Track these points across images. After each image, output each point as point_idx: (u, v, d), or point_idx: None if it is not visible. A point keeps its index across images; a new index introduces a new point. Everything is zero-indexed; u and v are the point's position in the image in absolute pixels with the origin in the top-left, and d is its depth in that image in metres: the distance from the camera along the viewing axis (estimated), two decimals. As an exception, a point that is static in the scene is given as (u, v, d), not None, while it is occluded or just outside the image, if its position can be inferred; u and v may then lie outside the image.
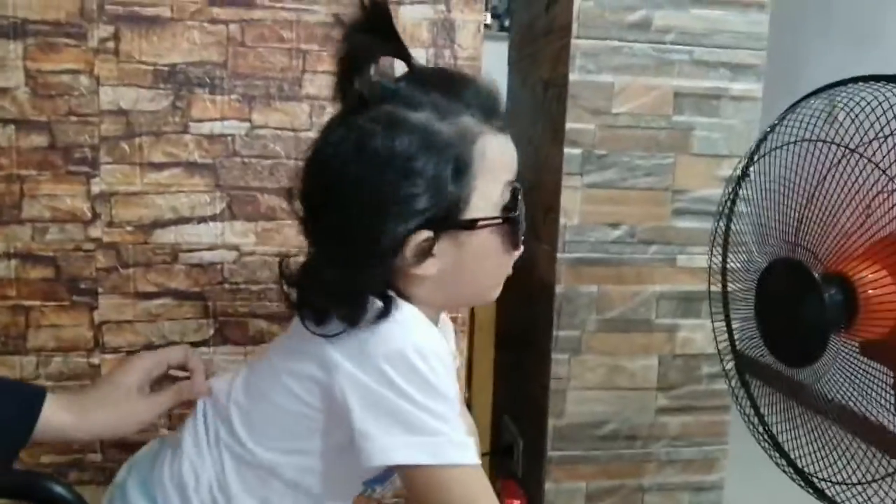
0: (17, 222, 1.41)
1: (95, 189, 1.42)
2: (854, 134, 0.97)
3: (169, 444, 1.01)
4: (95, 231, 1.43)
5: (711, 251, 1.27)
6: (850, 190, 0.98)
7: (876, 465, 1.00)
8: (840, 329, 0.99)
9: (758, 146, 1.14)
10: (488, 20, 3.61)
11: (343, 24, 0.88)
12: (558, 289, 1.56)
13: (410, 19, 1.43)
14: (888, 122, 0.92)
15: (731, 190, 1.21)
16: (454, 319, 1.51)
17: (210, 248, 1.47)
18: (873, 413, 1.00)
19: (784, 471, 1.14)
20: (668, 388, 1.64)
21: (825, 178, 1.00)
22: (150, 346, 1.47)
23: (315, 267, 0.88)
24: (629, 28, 1.51)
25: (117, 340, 1.47)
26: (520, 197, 0.89)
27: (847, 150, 0.97)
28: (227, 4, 1.42)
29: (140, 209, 1.44)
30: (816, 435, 1.11)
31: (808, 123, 1.04)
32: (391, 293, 0.87)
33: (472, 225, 0.86)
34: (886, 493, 0.98)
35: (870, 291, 0.97)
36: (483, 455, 1.98)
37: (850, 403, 1.03)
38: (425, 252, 0.86)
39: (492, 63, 1.80)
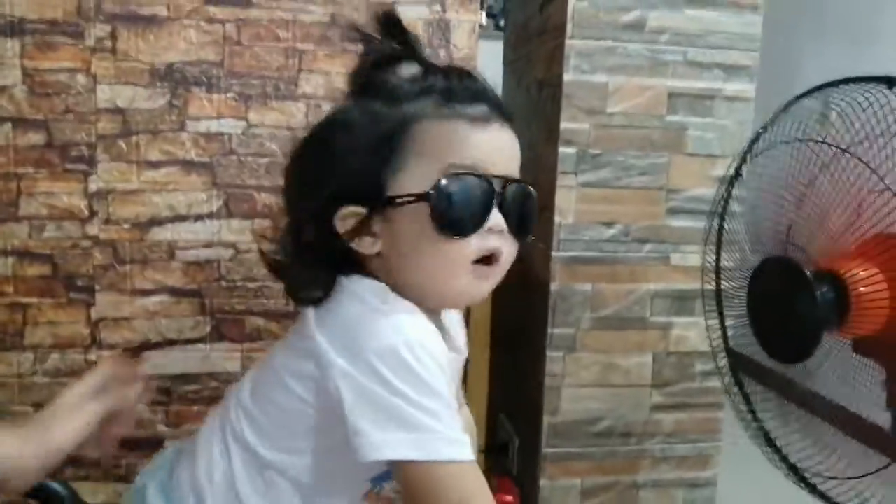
0: (15, 220, 1.42)
1: (92, 187, 1.43)
2: (846, 134, 0.98)
3: (186, 449, 1.02)
4: (92, 228, 1.44)
5: (705, 250, 1.28)
6: (841, 189, 0.99)
7: (867, 461, 1.01)
8: (832, 326, 1.00)
9: (751, 146, 1.15)
10: (483, 20, 3.61)
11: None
12: (553, 287, 1.57)
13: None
14: (879, 123, 0.93)
15: (724, 189, 1.22)
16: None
17: (207, 246, 1.48)
18: (864, 412, 1.01)
19: (776, 466, 1.15)
20: (663, 386, 1.65)
21: (817, 177, 1.01)
22: (147, 343, 1.49)
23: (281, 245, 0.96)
24: (623, 28, 1.52)
25: (114, 337, 1.48)
26: (470, 184, 0.87)
27: (839, 150, 0.98)
28: (224, 4, 1.43)
29: (137, 207, 1.45)
30: (809, 431, 1.12)
31: (801, 123, 1.05)
32: (371, 281, 0.90)
33: (390, 201, 0.88)
34: (878, 488, 0.99)
35: (861, 289, 0.98)
36: (478, 453, 1.99)
37: (843, 402, 1.04)
38: (359, 228, 0.89)
39: (487, 63, 1.81)
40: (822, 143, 1.00)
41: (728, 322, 1.26)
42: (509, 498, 1.62)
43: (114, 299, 1.47)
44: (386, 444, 0.82)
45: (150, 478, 1.02)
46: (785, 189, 1.07)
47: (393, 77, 0.92)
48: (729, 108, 1.56)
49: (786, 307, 1.04)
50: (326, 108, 1.31)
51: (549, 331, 1.58)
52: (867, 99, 0.96)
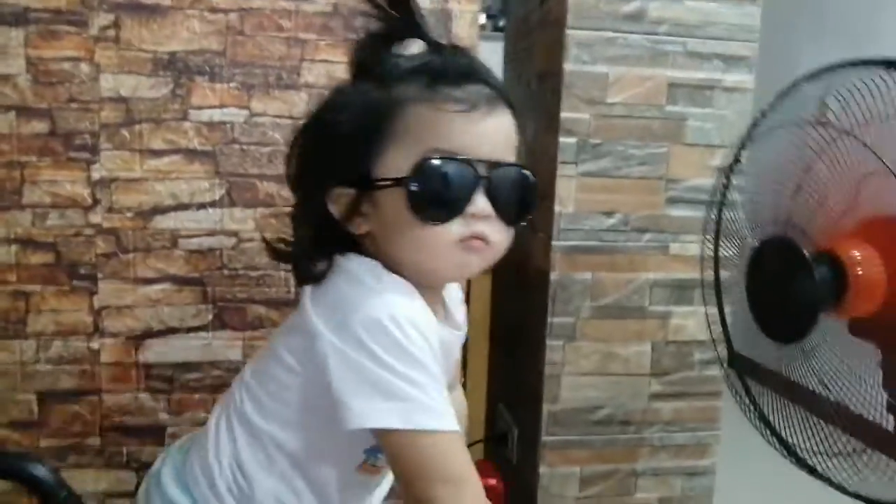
0: (18, 208, 1.42)
1: (95, 175, 1.44)
2: (846, 117, 0.98)
3: (199, 435, 1.04)
4: (95, 217, 1.45)
5: (704, 239, 1.29)
6: (841, 171, 0.99)
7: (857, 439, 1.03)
8: (829, 307, 1.01)
9: (750, 132, 1.15)
10: (483, 20, 3.62)
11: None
12: (553, 276, 1.58)
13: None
14: (877, 105, 0.94)
15: (723, 177, 1.23)
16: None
17: (209, 234, 1.48)
18: (860, 393, 1.02)
19: (769, 441, 1.16)
20: (662, 374, 1.65)
21: (817, 160, 1.02)
22: (149, 331, 1.49)
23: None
24: (623, 19, 1.53)
25: (117, 325, 1.48)
26: (448, 170, 0.87)
27: (839, 133, 0.99)
28: (226, -7, 1.44)
29: (140, 195, 1.46)
30: (804, 415, 1.13)
31: (800, 109, 1.06)
32: (365, 259, 0.92)
33: (372, 184, 0.89)
34: (864, 465, 1.00)
35: (859, 270, 0.98)
36: (478, 443, 2.00)
37: (840, 383, 1.05)
38: (351, 209, 0.91)
39: (487, 63, 1.81)
40: (822, 125, 1.01)
41: (727, 311, 1.27)
42: (493, 481, 1.63)
43: (116, 287, 1.48)
44: (369, 413, 0.84)
45: (165, 464, 1.04)
46: (784, 172, 1.08)
47: (389, 56, 0.93)
48: (728, 98, 1.57)
49: (784, 287, 1.05)
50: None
51: (549, 319, 1.59)
52: (866, 82, 0.97)
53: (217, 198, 1.48)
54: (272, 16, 1.45)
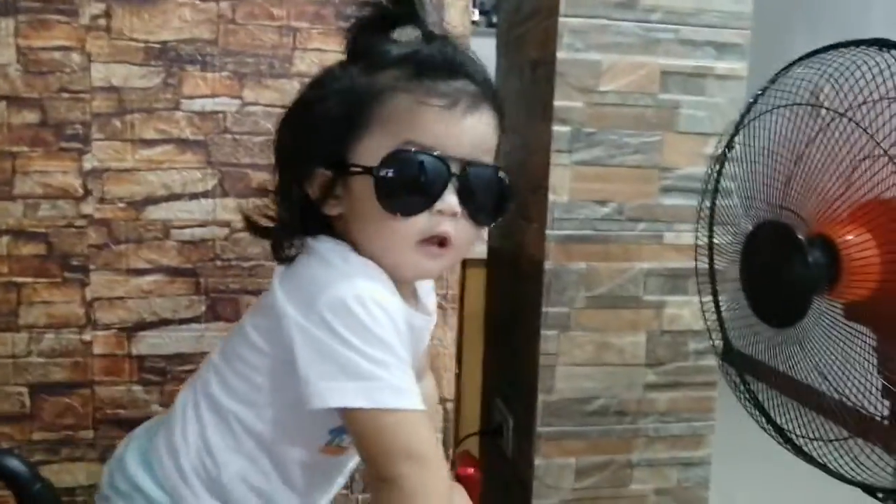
0: (9, 199, 1.41)
1: (87, 166, 1.43)
2: (840, 100, 0.98)
3: (165, 417, 1.04)
4: (87, 208, 1.44)
5: (698, 228, 1.29)
6: (836, 154, 0.99)
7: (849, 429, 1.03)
8: (823, 291, 1.01)
9: (743, 117, 1.15)
10: (476, 16, 3.62)
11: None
12: (547, 265, 1.57)
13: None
14: (870, 87, 0.94)
15: (716, 164, 1.22)
16: (444, 296, 1.53)
17: (202, 225, 1.47)
18: (855, 378, 1.02)
19: (764, 429, 1.16)
20: (656, 364, 1.65)
21: (812, 141, 1.02)
22: (142, 323, 1.48)
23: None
24: (616, 7, 1.52)
25: (109, 317, 1.47)
26: (420, 163, 0.88)
27: (833, 115, 0.99)
28: (218, -19, 1.43)
29: (132, 186, 1.45)
30: (798, 403, 1.13)
31: (793, 92, 1.05)
32: (334, 241, 0.93)
33: (346, 168, 0.90)
34: (860, 450, 0.99)
35: (853, 254, 0.98)
36: (473, 435, 1.99)
37: (834, 368, 1.05)
38: (326, 191, 0.92)
39: (479, 56, 1.81)
40: (819, 107, 1.01)
41: (721, 299, 1.27)
42: (470, 471, 1.62)
43: (108, 279, 1.46)
44: (333, 391, 0.84)
45: (129, 447, 1.04)
46: (778, 157, 1.08)
47: (381, 42, 0.93)
48: (721, 86, 1.57)
49: (778, 271, 1.05)
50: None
51: (544, 309, 1.58)
52: (859, 64, 0.96)
53: (209, 188, 1.46)
54: (264, 4, 1.44)
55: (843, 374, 1.01)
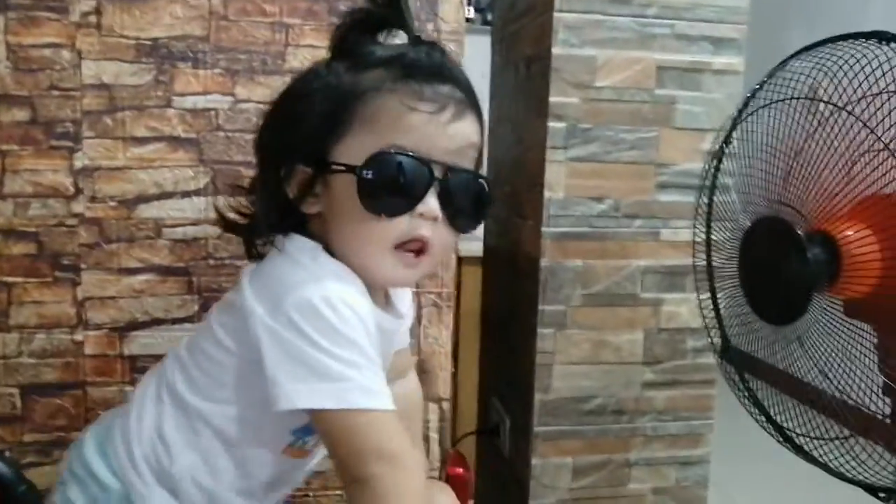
0: (-1, 197, 1.40)
1: (78, 164, 1.41)
2: (839, 93, 0.97)
3: (125, 406, 1.04)
4: (78, 206, 1.42)
5: (695, 224, 1.28)
6: (835, 148, 0.98)
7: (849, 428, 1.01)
8: (823, 288, 1.00)
9: (740, 112, 1.14)
10: (471, 14, 3.61)
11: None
12: (543, 263, 1.56)
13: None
14: (869, 80, 0.93)
15: (714, 160, 1.21)
16: (440, 295, 1.52)
17: (194, 223, 1.46)
18: (856, 377, 1.01)
19: (764, 428, 1.14)
20: (654, 363, 1.64)
21: (811, 136, 1.00)
22: (134, 323, 1.47)
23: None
24: (611, 2, 1.50)
25: (101, 317, 1.46)
26: (403, 165, 0.87)
27: (833, 109, 0.97)
28: (209, -23, 1.41)
29: (123, 184, 1.43)
30: (797, 401, 1.11)
31: (792, 84, 1.04)
32: (306, 240, 0.93)
33: (328, 166, 0.90)
34: (862, 449, 0.98)
35: (854, 250, 0.97)
36: (470, 435, 1.98)
37: (835, 367, 1.04)
38: (305, 188, 0.92)
39: (475, 56, 1.80)
40: (818, 101, 1.00)
41: (719, 296, 1.26)
42: (459, 470, 1.61)
43: (100, 278, 1.45)
44: (301, 393, 0.84)
45: (90, 432, 1.04)
46: (776, 152, 1.07)
47: (368, 42, 0.93)
48: (718, 81, 1.55)
49: (777, 268, 1.04)
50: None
51: (540, 307, 1.57)
52: (858, 57, 0.95)
53: (202, 186, 1.45)
54: (256, 0, 1.43)
55: (844, 371, 1.00)
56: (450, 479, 1.51)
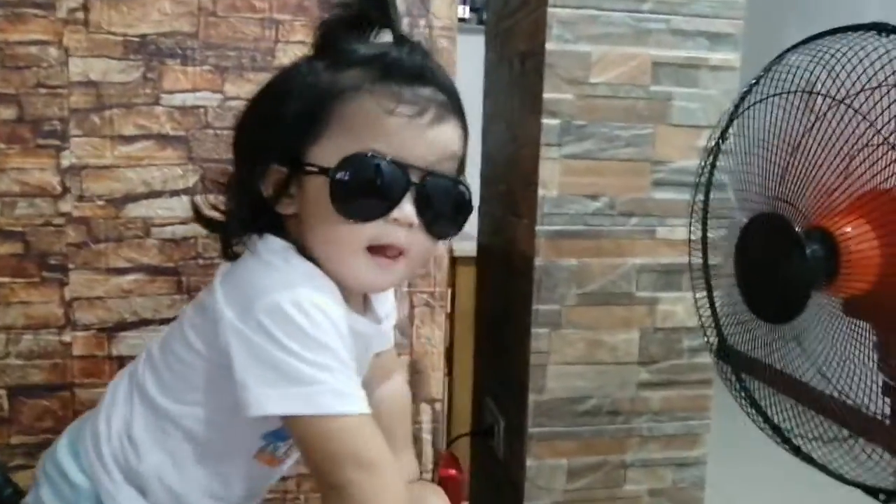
0: (-14, 196, 1.38)
1: (65, 162, 1.40)
2: (841, 86, 0.95)
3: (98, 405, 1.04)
4: (65, 205, 1.41)
5: (691, 222, 1.26)
6: (834, 143, 0.96)
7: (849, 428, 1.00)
8: (822, 286, 0.98)
9: (736, 108, 1.12)
10: (466, 14, 3.60)
11: None
12: (537, 262, 1.54)
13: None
14: (875, 73, 0.91)
15: (710, 157, 1.20)
16: (432, 294, 1.50)
17: (183, 223, 1.44)
18: (856, 376, 0.99)
19: (762, 429, 1.13)
20: (650, 363, 1.62)
21: (809, 130, 0.98)
22: (122, 323, 1.45)
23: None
24: (606, -4, 1.49)
25: (89, 317, 1.44)
26: (378, 169, 0.85)
27: (831, 102, 0.96)
28: (198, -28, 1.40)
29: (111, 183, 1.42)
30: (795, 401, 1.10)
31: (789, 78, 1.02)
32: (279, 241, 0.91)
33: (302, 167, 0.88)
34: (861, 450, 0.97)
35: (853, 246, 0.95)
36: (464, 436, 1.97)
37: (834, 367, 1.02)
38: (280, 188, 0.90)
39: (472, 56, 1.79)
40: (816, 94, 0.98)
41: (716, 295, 1.24)
42: (452, 472, 1.59)
43: (88, 278, 1.44)
44: (271, 398, 0.82)
45: (65, 433, 1.05)
46: (772, 147, 1.05)
47: (349, 40, 0.91)
48: (714, 77, 1.54)
49: (774, 266, 1.02)
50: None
51: (534, 307, 1.55)
52: (856, 50, 0.93)
53: (191, 185, 1.44)
54: (245, -4, 1.42)
55: (843, 371, 0.99)
56: (442, 481, 1.50)
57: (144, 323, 1.46)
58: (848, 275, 0.96)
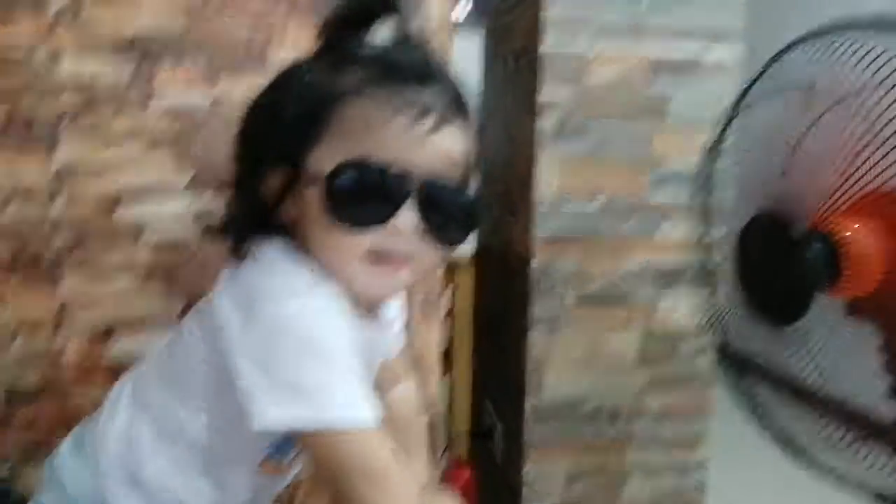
0: (-24, 199, 1.37)
1: (56, 164, 1.38)
2: (841, 84, 0.93)
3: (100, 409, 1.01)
4: (57, 207, 1.39)
5: (691, 222, 1.25)
6: (835, 143, 0.94)
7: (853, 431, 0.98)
8: (824, 287, 0.96)
9: (735, 107, 1.11)
10: (466, 12, 3.59)
11: None
12: (534, 264, 1.52)
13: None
14: (877, 71, 0.89)
15: (709, 154, 1.18)
16: (428, 296, 1.49)
17: (176, 224, 1.43)
18: (860, 379, 0.98)
19: (762, 431, 1.11)
20: (650, 365, 1.61)
21: (809, 130, 0.97)
22: (115, 326, 1.43)
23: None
24: (603, -6, 1.48)
25: (81, 321, 1.42)
26: (375, 177, 0.83)
27: (832, 102, 0.94)
28: (189, -29, 1.38)
29: (102, 184, 1.40)
30: (800, 405, 1.08)
31: (790, 76, 1.01)
32: (282, 247, 0.88)
33: (295, 173, 0.85)
34: (866, 455, 0.95)
35: (854, 248, 0.94)
36: (461, 440, 1.95)
37: (837, 369, 1.01)
38: (281, 192, 0.87)
39: (471, 57, 1.77)
40: (813, 94, 0.96)
41: (716, 297, 1.23)
42: (465, 476, 1.58)
43: (80, 281, 1.42)
44: (276, 411, 0.79)
45: (68, 438, 1.02)
46: (773, 147, 1.04)
47: (351, 39, 0.88)
48: (713, 75, 1.52)
49: (776, 267, 1.00)
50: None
51: (531, 310, 1.54)
52: (856, 47, 0.91)
53: (183, 186, 1.42)
54: (238, -5, 1.40)
55: (847, 374, 0.97)
56: (454, 486, 1.48)
57: (137, 325, 1.45)
58: (850, 276, 0.95)
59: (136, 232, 1.42)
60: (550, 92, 1.47)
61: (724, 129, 1.14)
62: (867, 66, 0.90)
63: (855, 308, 0.97)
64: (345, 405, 0.80)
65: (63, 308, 1.42)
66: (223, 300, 0.86)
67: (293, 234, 0.90)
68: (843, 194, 0.95)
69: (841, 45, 0.93)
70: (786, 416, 1.11)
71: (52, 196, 1.39)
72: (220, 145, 1.41)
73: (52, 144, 1.37)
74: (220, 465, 0.95)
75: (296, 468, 1.03)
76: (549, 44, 1.46)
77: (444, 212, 0.87)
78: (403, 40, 0.89)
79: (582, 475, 1.61)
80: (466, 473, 1.60)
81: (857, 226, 0.94)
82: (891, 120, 0.87)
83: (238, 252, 0.92)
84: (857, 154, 0.93)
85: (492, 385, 1.88)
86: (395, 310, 1.07)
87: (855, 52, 0.92)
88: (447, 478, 1.55)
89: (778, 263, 1.00)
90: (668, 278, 1.58)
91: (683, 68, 1.51)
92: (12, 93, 1.35)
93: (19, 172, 1.37)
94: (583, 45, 1.47)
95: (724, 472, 1.81)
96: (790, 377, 1.08)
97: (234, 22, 1.40)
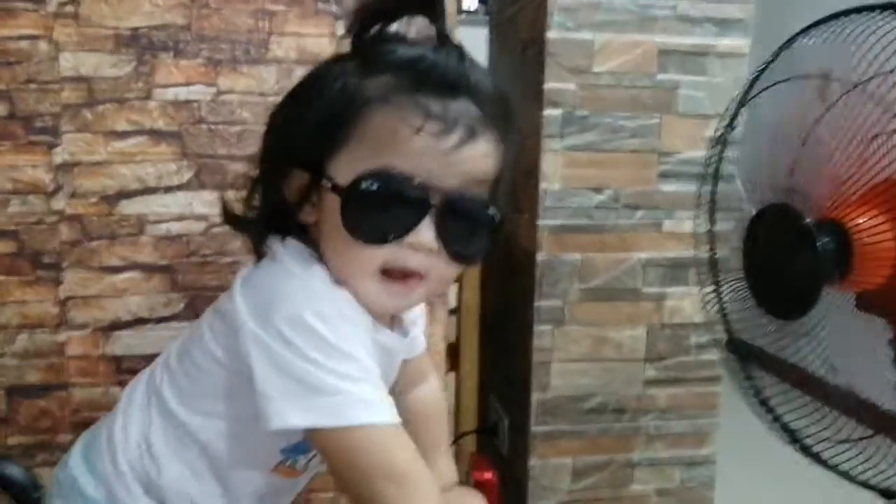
0: (-22, 195, 1.36)
1: (58, 159, 1.38)
2: (854, 71, 0.91)
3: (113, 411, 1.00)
4: (58, 203, 1.39)
5: (698, 214, 1.23)
6: (847, 131, 0.92)
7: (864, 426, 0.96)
8: (834, 279, 0.94)
9: (747, 91, 1.09)
10: (474, 6, 3.58)
11: None
12: (539, 257, 1.51)
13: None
14: (891, 56, 0.87)
15: (717, 147, 1.17)
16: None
17: (178, 219, 1.42)
18: (869, 373, 0.96)
19: (769, 426, 1.10)
20: (657, 359, 1.59)
21: (821, 118, 0.95)
22: (117, 322, 1.43)
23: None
24: (609, -18, 1.46)
25: (83, 316, 1.42)
26: (393, 191, 0.80)
27: (844, 89, 0.92)
28: (190, -36, 1.37)
29: (104, 179, 1.40)
30: (808, 399, 1.07)
31: (800, 62, 0.99)
32: (300, 248, 0.87)
33: (317, 179, 0.83)
34: (875, 451, 0.93)
35: (866, 239, 0.92)
36: (468, 434, 1.94)
37: (846, 363, 0.99)
38: (302, 194, 0.85)
39: (479, 48, 1.75)
40: (824, 81, 0.94)
41: (724, 290, 1.21)
42: (487, 475, 1.56)
43: (82, 276, 1.41)
44: (291, 410, 0.78)
45: (80, 440, 1.00)
46: (783, 135, 1.02)
47: (384, 38, 0.85)
48: (723, 64, 1.50)
49: (784, 259, 0.99)
50: (298, 72, 1.25)
51: (536, 304, 1.52)
52: (869, 32, 0.89)
53: (185, 180, 1.41)
54: (239, -14, 1.39)
55: (857, 368, 0.95)
56: (478, 486, 1.46)
57: (140, 322, 1.44)
58: (861, 268, 0.93)
59: (138, 227, 1.41)
60: (557, 81, 1.45)
61: (732, 119, 1.12)
62: (881, 51, 0.88)
63: (865, 301, 0.95)
64: (364, 403, 0.78)
65: (65, 304, 1.41)
66: (240, 300, 0.84)
67: (312, 236, 0.88)
68: (854, 183, 0.93)
69: (853, 30, 0.91)
70: (793, 411, 1.09)
71: (53, 192, 1.38)
72: (223, 140, 1.41)
73: (53, 140, 1.37)
74: (233, 471, 0.93)
75: (312, 470, 1.01)
76: (554, 34, 1.44)
77: (463, 229, 0.84)
78: (438, 45, 0.83)
79: (588, 470, 1.60)
80: (489, 473, 1.58)
81: (868, 216, 0.92)
82: (904, 107, 0.85)
83: (257, 250, 0.91)
84: (870, 141, 0.91)
85: (497, 379, 1.86)
86: (415, 312, 1.04)
87: (868, 36, 0.90)
88: (472, 477, 1.54)
89: (786, 256, 0.98)
90: (675, 271, 1.56)
91: (692, 57, 1.49)
92: (13, 88, 1.35)
93: (20, 168, 1.37)
94: (589, 35, 1.45)
95: (733, 466, 1.80)
96: (798, 371, 1.06)
97: (235, 14, 1.39)
